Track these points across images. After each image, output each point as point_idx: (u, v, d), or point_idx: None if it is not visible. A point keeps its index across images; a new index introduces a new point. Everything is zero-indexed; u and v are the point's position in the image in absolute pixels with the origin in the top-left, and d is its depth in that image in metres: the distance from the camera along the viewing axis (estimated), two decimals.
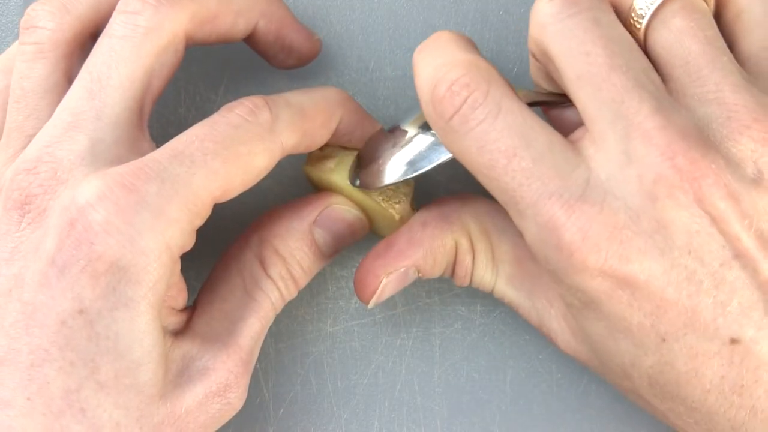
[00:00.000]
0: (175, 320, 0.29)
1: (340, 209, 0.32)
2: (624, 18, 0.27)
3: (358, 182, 0.31)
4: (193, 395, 0.28)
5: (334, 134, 0.31)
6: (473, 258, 0.31)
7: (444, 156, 0.29)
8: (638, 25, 0.27)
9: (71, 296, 0.25)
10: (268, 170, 0.28)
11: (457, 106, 0.26)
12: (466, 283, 0.32)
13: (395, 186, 0.32)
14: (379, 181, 0.30)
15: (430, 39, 0.28)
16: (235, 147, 0.27)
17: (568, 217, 0.25)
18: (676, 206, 0.24)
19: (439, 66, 0.27)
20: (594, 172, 0.25)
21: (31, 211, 0.26)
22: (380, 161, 0.30)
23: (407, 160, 0.29)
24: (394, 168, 0.30)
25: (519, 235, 0.30)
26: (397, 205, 0.32)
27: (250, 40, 0.33)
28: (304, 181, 0.34)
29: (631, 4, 0.27)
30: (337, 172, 0.32)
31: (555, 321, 0.30)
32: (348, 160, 0.32)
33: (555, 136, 0.26)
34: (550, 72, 0.28)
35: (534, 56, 0.28)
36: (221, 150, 0.27)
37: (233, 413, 0.29)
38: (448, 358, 0.35)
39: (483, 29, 0.36)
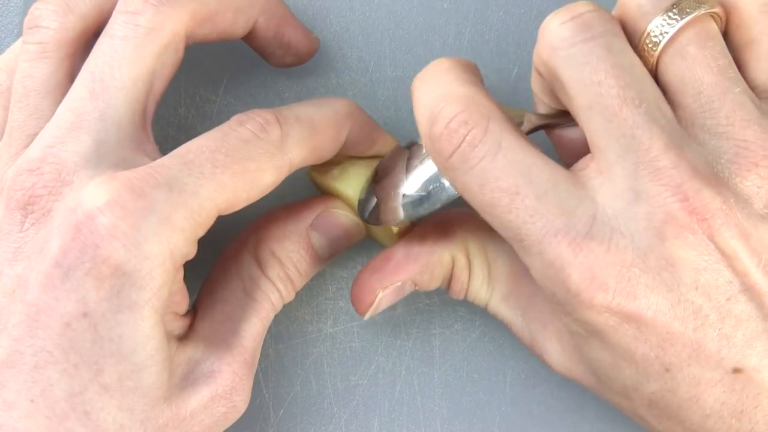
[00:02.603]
0: (178, 325, 0.29)
1: (337, 213, 0.32)
2: (635, 42, 0.27)
3: (367, 216, 0.31)
4: (199, 398, 0.28)
5: (343, 147, 0.31)
6: (469, 274, 0.31)
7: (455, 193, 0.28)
8: (652, 52, 0.26)
9: (75, 298, 0.25)
10: (275, 186, 0.28)
11: (456, 144, 0.26)
12: (461, 297, 0.32)
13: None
14: (391, 219, 0.30)
15: (429, 68, 0.28)
16: (245, 162, 0.27)
17: (575, 256, 0.24)
18: (684, 245, 0.24)
19: (437, 99, 0.26)
20: (600, 207, 0.25)
21: (34, 212, 0.26)
22: (394, 196, 0.30)
23: (424, 184, 0.29)
24: (410, 199, 0.29)
25: (516, 255, 0.30)
26: None
27: (249, 37, 0.32)
28: (304, 181, 0.34)
29: (645, 29, 0.26)
30: (341, 180, 0.32)
31: (548, 342, 0.30)
32: (352, 168, 0.32)
33: (558, 171, 0.26)
34: (554, 90, 0.28)
35: (539, 73, 0.28)
36: (231, 164, 0.27)
37: (238, 416, 0.29)
38: (448, 359, 0.35)
39: (483, 30, 0.36)
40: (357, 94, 0.36)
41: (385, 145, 0.33)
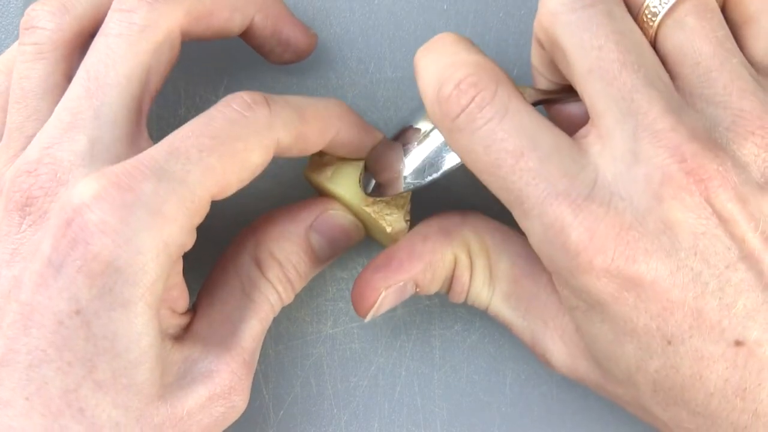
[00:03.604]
0: (176, 323, 0.29)
1: (337, 215, 0.32)
2: (635, 13, 0.27)
3: (371, 188, 0.31)
4: (196, 397, 0.28)
5: (332, 145, 0.31)
6: (471, 274, 0.31)
7: (457, 159, 0.29)
8: (651, 23, 0.27)
9: (67, 296, 0.25)
10: (263, 167, 0.28)
11: (464, 105, 0.26)
12: (461, 299, 0.32)
13: (391, 197, 0.32)
14: (397, 187, 0.30)
15: (433, 40, 0.28)
16: (232, 143, 0.27)
17: (575, 217, 0.24)
18: (682, 207, 0.24)
19: (446, 66, 0.27)
20: (601, 171, 0.25)
21: (31, 213, 0.26)
22: (395, 166, 0.30)
23: (426, 159, 0.29)
24: (413, 170, 0.30)
25: (517, 253, 0.30)
26: (388, 217, 0.32)
27: (247, 35, 0.33)
28: (303, 182, 0.34)
29: (644, 1, 0.27)
30: (333, 181, 0.32)
31: (550, 340, 0.30)
32: (345, 168, 0.32)
33: (562, 137, 0.26)
34: (555, 60, 0.28)
35: (539, 43, 0.28)
36: (217, 146, 0.26)
37: (237, 416, 0.29)
38: (448, 360, 0.35)
39: (483, 31, 0.36)
40: (357, 94, 0.36)
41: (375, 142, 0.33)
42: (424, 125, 0.30)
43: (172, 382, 0.28)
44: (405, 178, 0.30)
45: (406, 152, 0.30)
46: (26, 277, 0.26)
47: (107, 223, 0.25)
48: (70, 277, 0.25)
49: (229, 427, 0.30)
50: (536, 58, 0.30)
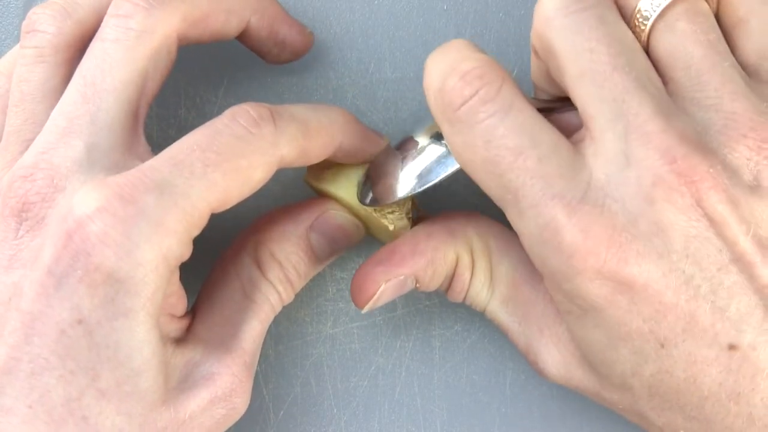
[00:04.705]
0: (176, 327, 0.29)
1: (337, 215, 0.32)
2: (627, 18, 0.27)
3: (369, 199, 0.31)
4: (198, 401, 0.28)
5: (334, 155, 0.31)
6: (471, 274, 0.31)
7: (454, 166, 0.28)
8: (642, 27, 0.27)
9: (69, 306, 0.25)
10: (265, 182, 0.28)
11: (467, 96, 0.26)
12: (460, 299, 0.32)
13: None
14: (390, 197, 0.30)
15: (444, 45, 0.28)
16: (236, 160, 0.27)
17: (569, 218, 0.25)
18: (673, 210, 0.24)
19: (453, 60, 0.26)
20: (594, 173, 0.25)
21: (28, 219, 0.26)
22: (391, 176, 0.30)
23: (418, 172, 0.29)
24: (405, 182, 0.30)
25: (519, 259, 0.30)
26: (390, 215, 0.32)
27: (243, 37, 0.32)
28: (303, 182, 0.34)
29: (636, 6, 0.27)
30: (333, 183, 0.32)
31: (545, 348, 0.30)
32: (343, 170, 0.32)
33: (561, 139, 0.26)
34: (551, 70, 0.28)
35: (536, 52, 0.28)
36: (222, 162, 0.26)
37: (237, 417, 0.29)
38: (448, 360, 0.35)
39: (483, 31, 0.36)
40: (357, 95, 0.36)
41: (378, 150, 0.33)
42: (422, 140, 0.29)
43: (175, 387, 0.28)
44: (397, 190, 0.30)
45: (403, 164, 0.30)
46: (26, 285, 0.26)
47: (109, 235, 0.25)
48: (72, 287, 0.25)
49: (230, 428, 0.30)
50: (534, 69, 0.30)
